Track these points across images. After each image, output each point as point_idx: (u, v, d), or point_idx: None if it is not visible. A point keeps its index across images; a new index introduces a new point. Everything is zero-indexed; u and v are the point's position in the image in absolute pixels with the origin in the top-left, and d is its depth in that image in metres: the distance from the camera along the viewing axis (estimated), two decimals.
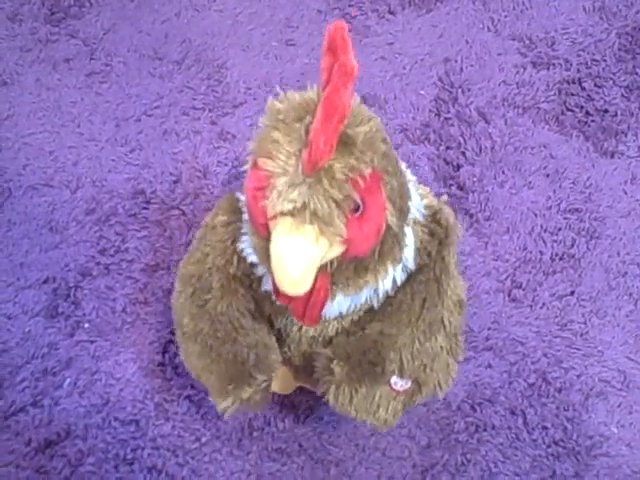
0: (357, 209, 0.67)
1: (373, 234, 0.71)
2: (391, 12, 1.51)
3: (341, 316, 0.84)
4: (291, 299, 0.76)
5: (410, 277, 0.83)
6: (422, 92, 1.43)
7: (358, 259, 0.73)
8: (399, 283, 0.83)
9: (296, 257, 0.65)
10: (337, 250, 0.69)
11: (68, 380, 1.19)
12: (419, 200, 0.83)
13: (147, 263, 1.27)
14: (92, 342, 1.21)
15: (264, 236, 0.69)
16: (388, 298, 0.84)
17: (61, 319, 1.23)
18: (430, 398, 0.95)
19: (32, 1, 1.52)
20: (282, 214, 0.65)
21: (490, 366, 1.20)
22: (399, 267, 0.81)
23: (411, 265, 0.82)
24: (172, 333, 1.20)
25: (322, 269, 0.71)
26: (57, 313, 1.23)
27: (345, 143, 0.65)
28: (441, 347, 0.88)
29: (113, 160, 1.37)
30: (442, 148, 1.37)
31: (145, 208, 1.32)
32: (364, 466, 1.14)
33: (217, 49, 1.48)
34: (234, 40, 1.49)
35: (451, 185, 1.33)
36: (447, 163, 1.36)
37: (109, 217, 1.31)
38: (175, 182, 1.34)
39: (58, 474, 1.12)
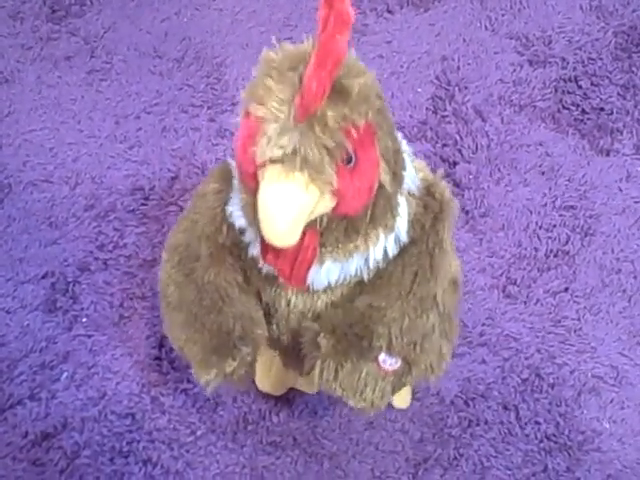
0: (349, 161, 0.67)
1: (365, 189, 0.70)
2: (389, 11, 1.52)
3: (330, 288, 0.82)
4: (278, 258, 0.75)
5: (402, 251, 0.82)
6: (419, 90, 1.44)
7: (348, 218, 0.72)
8: (390, 255, 0.81)
9: (285, 205, 0.63)
10: (328, 203, 0.68)
11: (65, 374, 1.20)
12: (414, 173, 0.82)
13: (145, 258, 1.28)
14: (89, 336, 1.23)
15: (253, 188, 0.68)
16: (378, 271, 0.82)
17: (59, 313, 1.24)
18: (421, 382, 0.94)
19: None
20: (271, 161, 0.64)
21: (484, 361, 1.21)
22: (391, 237, 0.79)
23: (403, 238, 0.81)
24: None
25: (311, 225, 0.71)
26: (55, 307, 1.25)
27: (340, 92, 0.65)
28: (433, 326, 0.86)
29: (112, 157, 1.38)
30: (439, 146, 1.38)
31: (144, 204, 1.33)
32: (357, 460, 1.14)
33: (216, 47, 1.49)
34: (233, 38, 1.50)
35: (447, 182, 1.32)
36: (443, 160, 1.37)
37: (108, 213, 1.32)
38: (174, 179, 1.36)
39: (54, 466, 1.14)
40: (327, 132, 0.64)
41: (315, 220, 0.70)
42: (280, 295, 0.85)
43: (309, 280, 0.79)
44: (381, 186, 0.72)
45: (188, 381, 1.18)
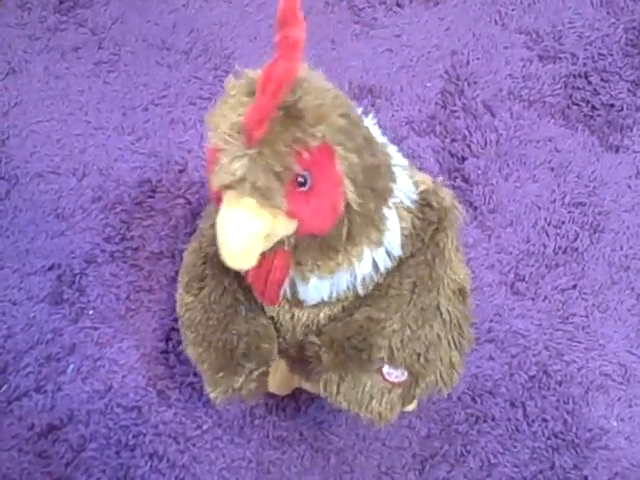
0: (303, 183, 0.67)
1: (326, 210, 0.70)
2: (398, 5, 1.51)
3: (324, 302, 0.82)
4: (253, 277, 0.76)
5: (400, 263, 0.82)
6: (428, 84, 1.44)
7: (322, 237, 0.72)
8: (382, 269, 0.81)
9: (236, 230, 0.64)
10: (287, 226, 0.68)
11: (72, 366, 1.20)
12: (410, 186, 0.81)
13: (152, 251, 1.28)
14: (96, 329, 1.22)
15: None
16: (377, 285, 0.82)
17: (66, 305, 1.24)
18: (433, 393, 0.94)
19: None
20: (225, 187, 0.65)
21: (491, 358, 1.20)
22: (379, 251, 0.79)
23: (397, 252, 0.81)
24: (175, 321, 1.20)
25: (279, 246, 0.71)
26: (62, 299, 1.24)
27: (292, 115, 0.65)
28: (439, 337, 0.85)
29: (120, 149, 1.37)
30: (447, 140, 1.37)
31: (151, 197, 1.33)
32: (364, 455, 1.14)
33: (225, 39, 1.48)
34: (242, 31, 1.49)
35: (456, 177, 1.34)
36: (452, 155, 1.36)
37: (115, 205, 1.32)
38: (181, 171, 1.35)
39: (60, 459, 1.13)
40: (276, 156, 0.64)
41: (283, 241, 0.71)
42: (284, 310, 0.85)
43: (301, 297, 0.80)
44: (349, 205, 0.71)
45: (194, 375, 1.18)
